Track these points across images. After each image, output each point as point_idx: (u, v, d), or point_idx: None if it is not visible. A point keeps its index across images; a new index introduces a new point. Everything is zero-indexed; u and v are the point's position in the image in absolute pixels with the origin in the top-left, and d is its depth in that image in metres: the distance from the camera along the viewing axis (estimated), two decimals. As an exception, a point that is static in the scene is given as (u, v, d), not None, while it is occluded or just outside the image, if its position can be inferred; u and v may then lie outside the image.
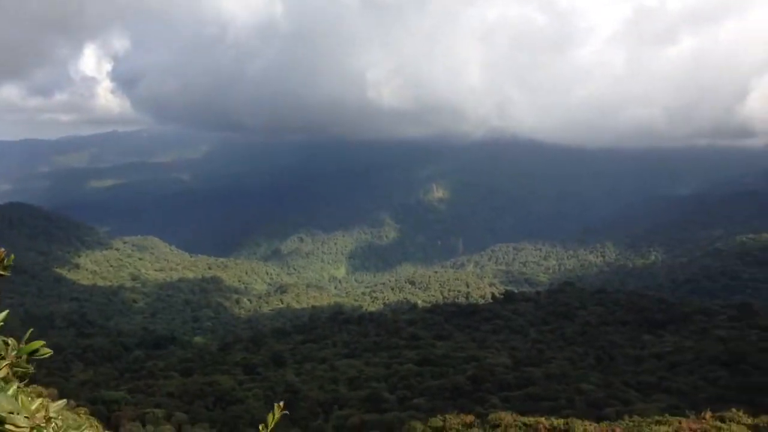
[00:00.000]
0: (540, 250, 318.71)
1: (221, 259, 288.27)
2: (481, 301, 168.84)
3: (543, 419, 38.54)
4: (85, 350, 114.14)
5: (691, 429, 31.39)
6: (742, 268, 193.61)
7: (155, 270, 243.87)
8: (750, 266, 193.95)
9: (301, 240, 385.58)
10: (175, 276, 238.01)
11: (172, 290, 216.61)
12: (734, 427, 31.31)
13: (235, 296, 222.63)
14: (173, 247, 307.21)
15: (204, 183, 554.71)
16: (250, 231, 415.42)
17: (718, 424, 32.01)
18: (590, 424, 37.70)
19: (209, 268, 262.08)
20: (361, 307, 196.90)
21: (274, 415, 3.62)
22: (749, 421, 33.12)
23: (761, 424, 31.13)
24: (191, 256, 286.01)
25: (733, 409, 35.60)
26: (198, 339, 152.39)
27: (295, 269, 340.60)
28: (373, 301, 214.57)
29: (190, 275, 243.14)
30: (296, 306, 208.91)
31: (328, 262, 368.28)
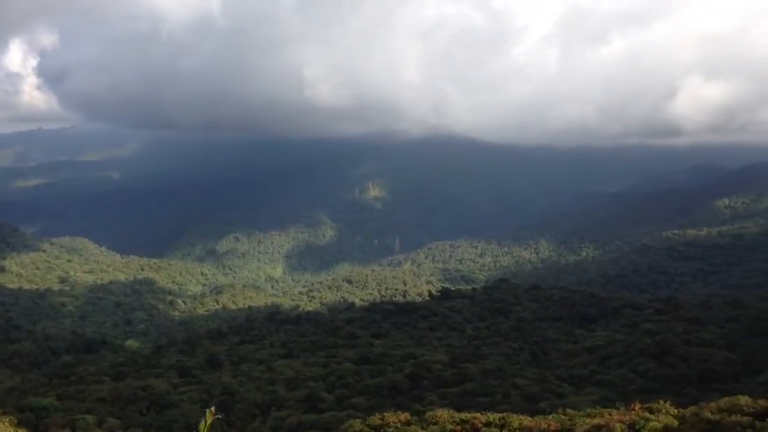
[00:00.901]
0: (476, 247, 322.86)
1: (154, 260, 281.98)
2: (419, 299, 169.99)
3: (479, 415, 39.01)
4: (12, 356, 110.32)
5: (620, 421, 32.27)
6: (668, 263, 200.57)
7: (85, 272, 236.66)
8: (676, 261, 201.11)
9: (237, 240, 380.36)
10: (106, 278, 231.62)
11: (102, 293, 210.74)
12: (662, 417, 32.33)
13: (169, 298, 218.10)
14: (104, 248, 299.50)
15: (135, 182, 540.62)
16: (184, 231, 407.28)
17: (647, 415, 33.01)
18: (525, 418, 38.37)
19: (142, 270, 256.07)
20: (298, 306, 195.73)
21: (206, 422, 3.53)
22: (675, 412, 34.30)
23: (687, 415, 32.24)
24: (123, 258, 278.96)
25: (661, 401, 36.82)
26: (130, 342, 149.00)
27: (231, 269, 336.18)
28: (310, 301, 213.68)
29: (122, 277, 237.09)
30: (232, 307, 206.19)
31: (265, 262, 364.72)
